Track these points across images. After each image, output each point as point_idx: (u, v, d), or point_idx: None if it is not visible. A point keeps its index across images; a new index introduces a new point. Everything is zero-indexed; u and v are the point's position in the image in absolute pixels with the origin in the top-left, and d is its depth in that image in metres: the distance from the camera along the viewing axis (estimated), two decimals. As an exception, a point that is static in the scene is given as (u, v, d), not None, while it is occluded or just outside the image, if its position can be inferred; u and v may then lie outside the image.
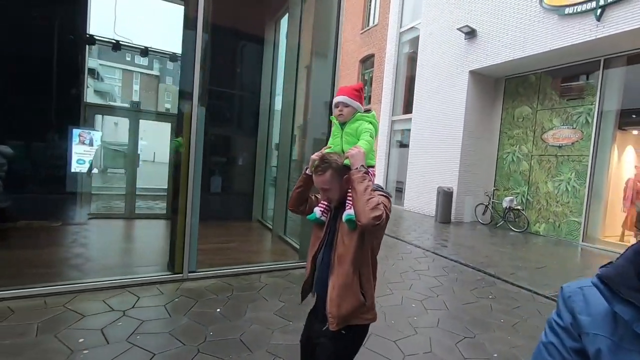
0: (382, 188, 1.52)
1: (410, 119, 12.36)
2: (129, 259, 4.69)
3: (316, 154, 1.57)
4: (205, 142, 3.96)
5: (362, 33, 16.26)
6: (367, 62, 16.20)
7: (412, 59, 13.04)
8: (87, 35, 6.00)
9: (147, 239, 5.87)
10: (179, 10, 7.07)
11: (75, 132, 7.19)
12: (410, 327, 3.21)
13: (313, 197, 1.71)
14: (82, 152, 7.33)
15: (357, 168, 1.41)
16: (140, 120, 6.55)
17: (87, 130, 7.42)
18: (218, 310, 3.22)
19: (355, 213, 1.38)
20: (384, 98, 13.85)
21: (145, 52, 6.64)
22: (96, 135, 7.58)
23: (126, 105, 9.04)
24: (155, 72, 37.93)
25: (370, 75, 15.87)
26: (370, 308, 1.51)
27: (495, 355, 2.86)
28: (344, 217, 1.48)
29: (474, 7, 9.84)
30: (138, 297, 3.31)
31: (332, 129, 1.70)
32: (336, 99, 1.63)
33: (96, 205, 7.09)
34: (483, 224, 10.02)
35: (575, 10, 7.41)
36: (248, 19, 7.27)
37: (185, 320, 2.98)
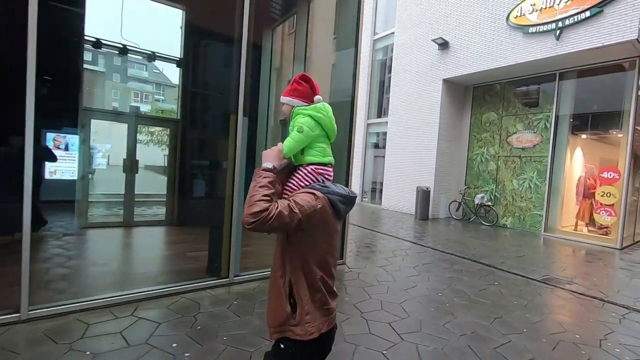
0: (324, 188, 1.40)
1: (385, 122, 13.07)
2: (168, 266, 4.64)
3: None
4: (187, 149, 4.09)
5: (334, 38, 16.70)
6: (339, 66, 16.67)
7: (385, 65, 13.78)
8: (95, 39, 5.76)
9: (169, 247, 5.79)
10: (177, 14, 7.01)
11: (50, 136, 6.81)
12: (449, 314, 3.67)
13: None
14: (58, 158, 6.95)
15: (262, 166, 1.36)
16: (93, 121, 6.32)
17: (62, 135, 7.04)
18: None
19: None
20: (358, 102, 14.41)
21: (152, 57, 6.49)
22: (73, 140, 7.22)
23: (125, 110, 8.61)
24: (100, 69, 35.48)
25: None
26: (302, 322, 1.33)
27: (525, 330, 3.41)
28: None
29: (447, 20, 10.72)
30: (199, 303, 3.42)
31: None
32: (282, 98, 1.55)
33: (85, 214, 6.74)
34: (456, 219, 10.96)
35: (537, 30, 8.46)
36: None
37: (257, 320, 3.17)
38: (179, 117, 6.93)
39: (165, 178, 6.86)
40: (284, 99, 1.51)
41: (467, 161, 11.32)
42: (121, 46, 6.02)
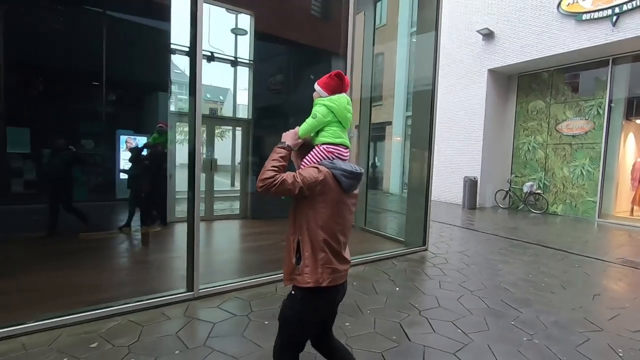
0: (331, 164, 1.61)
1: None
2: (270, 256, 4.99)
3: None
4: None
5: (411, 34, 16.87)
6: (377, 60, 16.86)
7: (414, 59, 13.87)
8: (185, 49, 6.27)
9: (256, 238, 6.26)
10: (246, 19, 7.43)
11: (122, 138, 7.38)
12: (550, 292, 3.97)
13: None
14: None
15: (281, 143, 1.64)
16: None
17: (133, 137, 7.61)
18: (397, 288, 3.84)
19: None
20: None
21: (235, 62, 6.97)
22: (142, 141, 7.78)
23: (205, 112, 9.18)
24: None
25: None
26: (303, 273, 1.56)
27: (627, 305, 3.68)
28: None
29: (492, 11, 10.77)
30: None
31: None
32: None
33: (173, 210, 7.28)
34: (503, 208, 11.10)
35: (591, 17, 8.47)
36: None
37: (384, 297, 3.57)
38: (250, 117, 7.38)
39: (236, 175, 7.32)
40: (316, 86, 1.72)
41: (513, 150, 11.40)
42: (209, 54, 6.49)
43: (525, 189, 10.55)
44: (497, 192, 11.34)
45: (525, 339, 2.84)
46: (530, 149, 10.94)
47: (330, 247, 1.58)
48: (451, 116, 12.05)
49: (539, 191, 10.41)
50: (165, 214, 6.40)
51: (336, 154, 1.66)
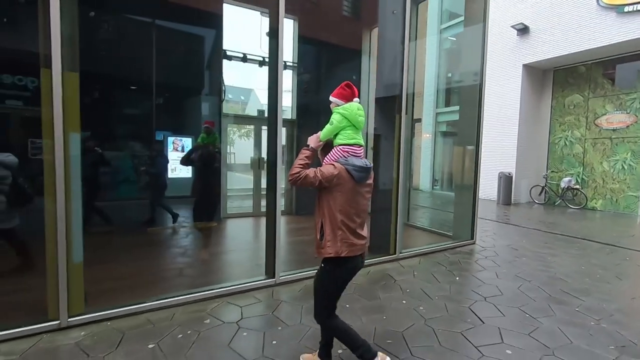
0: (349, 163, 1.96)
1: (454, 111, 13.22)
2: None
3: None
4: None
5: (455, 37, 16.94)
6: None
7: (451, 54, 13.87)
8: (242, 54, 6.68)
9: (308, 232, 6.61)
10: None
11: (170, 139, 7.84)
12: (607, 283, 4.10)
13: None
14: (177, 159, 7.98)
15: (307, 145, 2.08)
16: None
17: (179, 138, 8.06)
18: (457, 278, 4.08)
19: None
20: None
21: (284, 66, 7.38)
22: (187, 142, 8.23)
23: (254, 114, 9.67)
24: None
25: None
26: (325, 246, 1.97)
27: (687, 295, 3.78)
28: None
29: (527, 6, 10.70)
30: (388, 274, 4.13)
31: None
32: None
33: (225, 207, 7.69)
34: (538, 203, 11.04)
35: (635, 8, 8.34)
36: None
37: (447, 285, 3.81)
38: (294, 118, 7.72)
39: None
40: (331, 98, 2.14)
41: (549, 145, 11.30)
42: (261, 59, 6.87)
43: (562, 184, 10.46)
44: (532, 187, 11.28)
45: (592, 323, 3.03)
46: (567, 143, 10.83)
47: (346, 226, 1.99)
48: (485, 112, 12.01)
49: (577, 186, 10.30)
50: (219, 210, 6.82)
51: (351, 153, 2.03)
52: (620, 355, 2.52)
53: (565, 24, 9.73)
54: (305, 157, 2.02)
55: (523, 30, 10.71)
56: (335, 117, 2.06)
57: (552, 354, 2.52)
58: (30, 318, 2.57)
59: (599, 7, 9.01)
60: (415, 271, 4.27)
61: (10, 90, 5.38)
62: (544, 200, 11.03)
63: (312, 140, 2.10)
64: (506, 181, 10.83)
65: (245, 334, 2.68)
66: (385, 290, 3.66)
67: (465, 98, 5.97)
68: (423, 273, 4.23)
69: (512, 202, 11.01)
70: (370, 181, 2.12)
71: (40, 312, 2.61)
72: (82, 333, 2.59)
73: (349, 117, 2.03)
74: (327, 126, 2.07)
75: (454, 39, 12.94)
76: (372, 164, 2.08)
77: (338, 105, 2.09)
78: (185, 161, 5.23)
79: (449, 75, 14.16)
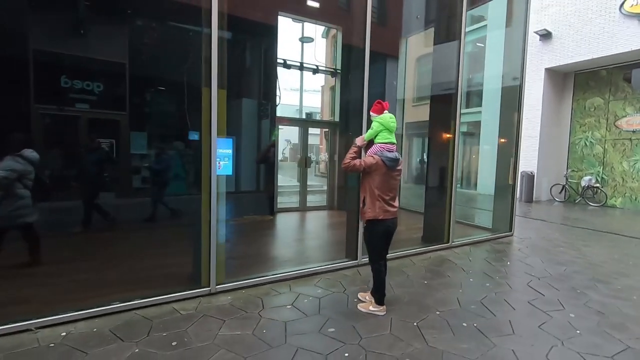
0: (384, 156, 2.88)
1: (476, 111, 13.76)
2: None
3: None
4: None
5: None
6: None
7: (474, 58, 14.39)
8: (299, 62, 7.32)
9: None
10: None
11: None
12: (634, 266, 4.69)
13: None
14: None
15: (353, 145, 3.05)
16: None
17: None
18: (508, 262, 4.69)
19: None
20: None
21: (334, 73, 7.99)
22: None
23: (302, 117, 10.30)
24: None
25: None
26: (366, 212, 2.96)
27: None
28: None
29: (549, 12, 11.21)
30: (429, 257, 4.75)
31: None
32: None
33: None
34: (559, 201, 11.57)
35: (656, 17, 8.84)
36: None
37: (502, 267, 4.43)
38: (336, 120, 8.34)
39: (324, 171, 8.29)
40: (370, 112, 3.13)
41: (569, 145, 11.82)
42: (315, 67, 7.51)
43: (583, 183, 10.99)
44: (552, 186, 11.82)
45: (634, 297, 3.63)
46: (588, 144, 11.34)
47: (382, 198, 2.95)
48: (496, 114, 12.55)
49: (598, 185, 10.83)
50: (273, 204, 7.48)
51: (385, 148, 2.95)
52: (662, 319, 3.13)
53: (588, 31, 10.23)
54: (354, 152, 3.03)
55: (546, 35, 11.22)
56: (374, 125, 3.03)
57: (606, 318, 3.13)
58: (188, 285, 3.24)
59: (622, 15, 9.51)
60: (470, 257, 4.89)
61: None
62: (564, 198, 11.55)
63: (359, 140, 3.11)
64: (528, 180, 11.38)
65: (348, 293, 3.32)
66: (451, 271, 4.29)
67: (505, 100, 6.54)
68: (477, 258, 4.85)
69: (534, 199, 11.55)
70: (400, 167, 3.04)
71: (195, 281, 3.28)
72: (229, 297, 3.25)
73: (384, 124, 2.99)
74: (369, 130, 3.06)
75: (481, 44, 13.45)
76: (401, 157, 3.15)
77: (374, 116, 3.06)
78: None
79: (470, 77, 14.69)
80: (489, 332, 2.80)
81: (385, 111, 3.05)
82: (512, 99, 6.36)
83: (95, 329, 2.60)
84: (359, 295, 3.33)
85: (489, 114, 11.64)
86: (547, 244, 5.84)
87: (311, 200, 8.69)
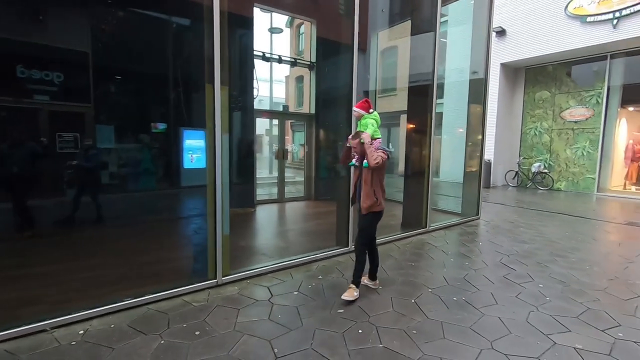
0: (384, 148, 3.10)
1: (438, 103, 14.51)
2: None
3: (352, 135, 3.25)
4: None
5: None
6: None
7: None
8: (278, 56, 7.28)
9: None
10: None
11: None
12: (593, 240, 5.39)
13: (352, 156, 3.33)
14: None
15: (368, 141, 3.07)
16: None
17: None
18: (480, 243, 5.19)
19: (367, 161, 3.05)
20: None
21: (312, 66, 8.01)
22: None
23: (279, 109, 10.12)
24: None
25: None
26: (379, 204, 3.15)
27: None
28: (364, 164, 3.14)
29: (503, 11, 12.03)
30: (440, 236, 5.16)
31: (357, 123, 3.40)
32: (353, 109, 3.45)
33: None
34: (512, 186, 12.65)
35: (595, 19, 9.86)
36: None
37: (476, 247, 4.90)
38: (312, 112, 8.50)
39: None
40: (357, 109, 3.29)
41: (521, 135, 12.90)
42: (293, 60, 7.53)
43: (533, 169, 12.09)
44: (507, 172, 12.86)
45: (587, 267, 4.23)
46: (537, 133, 12.46)
47: (384, 190, 3.25)
48: (461, 106, 13.38)
49: (546, 170, 11.97)
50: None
51: (380, 143, 3.20)
52: (609, 286, 3.70)
53: (537, 29, 11.15)
54: (375, 148, 3.07)
55: (501, 33, 12.05)
56: (371, 122, 3.23)
57: (567, 286, 3.65)
58: (196, 278, 3.31)
59: (566, 16, 10.47)
60: (446, 240, 5.34)
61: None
62: (517, 183, 12.65)
63: (367, 138, 3.11)
64: (486, 167, 12.27)
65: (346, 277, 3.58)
66: (433, 253, 4.69)
67: (471, 93, 7.04)
68: (452, 241, 5.31)
69: (491, 185, 12.52)
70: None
71: (201, 275, 3.36)
72: (236, 288, 3.37)
73: (377, 120, 3.28)
74: (371, 127, 3.20)
75: (443, 40, 14.07)
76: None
77: (362, 114, 3.26)
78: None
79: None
80: (476, 303, 3.19)
81: (371, 109, 3.27)
82: (477, 92, 6.87)
83: (112, 325, 2.63)
84: (365, 281, 3.47)
85: (450, 105, 12.37)
86: (510, 225, 6.48)
87: (289, 191, 8.83)
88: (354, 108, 3.37)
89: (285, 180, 8.73)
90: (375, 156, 2.98)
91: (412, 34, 6.10)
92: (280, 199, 8.39)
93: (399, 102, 16.18)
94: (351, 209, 4.45)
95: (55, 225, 5.02)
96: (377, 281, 3.50)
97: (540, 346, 2.52)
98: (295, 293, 3.31)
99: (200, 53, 3.14)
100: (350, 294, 3.15)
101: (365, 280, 3.47)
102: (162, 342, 2.44)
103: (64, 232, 4.65)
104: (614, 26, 9.51)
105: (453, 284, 3.63)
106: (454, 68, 10.88)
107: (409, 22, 8.39)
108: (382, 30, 9.90)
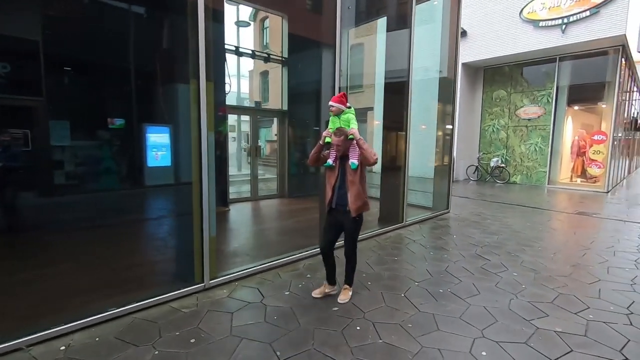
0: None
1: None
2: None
3: (327, 131, 3.01)
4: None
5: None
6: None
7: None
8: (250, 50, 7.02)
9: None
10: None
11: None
12: (549, 229, 5.83)
13: (322, 156, 3.05)
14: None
15: (360, 137, 2.86)
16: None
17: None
18: (454, 236, 5.43)
19: (364, 158, 2.85)
20: (377, 84, 16.15)
21: (285, 62, 7.82)
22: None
23: (252, 105, 9.72)
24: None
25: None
26: (367, 205, 3.01)
27: (592, 241, 5.64)
28: (350, 164, 2.91)
29: (464, 13, 12.57)
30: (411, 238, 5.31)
31: (331, 119, 3.10)
32: (330, 103, 3.04)
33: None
34: (473, 180, 13.37)
35: (546, 24, 10.61)
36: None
37: (450, 240, 5.12)
38: (285, 108, 8.40)
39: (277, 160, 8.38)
40: (334, 104, 3.00)
41: (481, 131, 13.63)
42: (266, 55, 7.34)
43: (492, 164, 12.85)
44: (468, 167, 13.55)
45: (551, 255, 4.57)
46: (495, 130, 13.23)
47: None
48: (429, 104, 13.89)
49: (503, 165, 12.76)
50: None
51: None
52: (573, 272, 4.04)
53: (495, 32, 11.80)
54: (367, 144, 2.89)
55: (462, 33, 12.59)
56: (352, 117, 3.02)
57: (538, 273, 3.93)
58: (182, 283, 3.16)
59: (521, 20, 11.17)
60: (422, 234, 5.53)
61: None
62: (477, 177, 13.37)
63: (357, 134, 2.91)
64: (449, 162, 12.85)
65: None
66: (412, 247, 4.84)
67: (441, 92, 7.31)
68: (428, 234, 5.51)
69: (454, 179, 13.12)
70: None
71: (187, 278, 3.21)
72: (224, 291, 3.26)
73: (355, 116, 3.06)
74: (354, 122, 2.99)
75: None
76: None
77: (341, 108, 3.01)
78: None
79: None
80: (461, 294, 3.34)
81: (348, 104, 3.06)
82: (446, 91, 7.15)
83: (97, 338, 2.44)
84: (339, 300, 3.12)
85: (416, 103, 12.77)
86: (477, 217, 6.85)
87: (261, 188, 8.68)
88: (330, 103, 3.03)
89: (260, 177, 8.58)
90: (374, 152, 2.85)
91: (388, 30, 6.21)
92: (254, 197, 8.24)
93: (366, 99, 16.48)
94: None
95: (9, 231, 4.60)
96: (336, 286, 3.30)
97: (525, 332, 2.69)
98: (287, 293, 3.27)
99: (176, 45, 2.98)
100: (345, 295, 3.15)
101: (326, 288, 3.24)
102: (157, 352, 2.31)
103: (20, 238, 4.24)
104: (563, 31, 10.30)
105: (436, 277, 3.77)
106: (420, 66, 11.17)
107: (376, 20, 8.51)
108: (353, 27, 9.95)
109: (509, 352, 2.42)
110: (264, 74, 18.33)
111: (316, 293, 3.20)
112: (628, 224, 6.45)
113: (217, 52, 7.00)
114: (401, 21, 5.85)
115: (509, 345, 2.50)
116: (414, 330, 2.68)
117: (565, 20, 10.21)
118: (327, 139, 2.97)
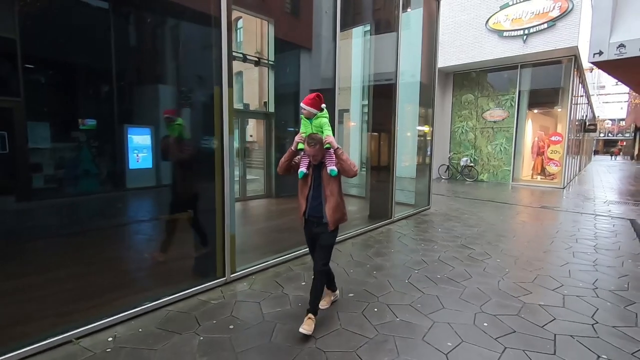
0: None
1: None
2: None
3: (299, 136, 2.65)
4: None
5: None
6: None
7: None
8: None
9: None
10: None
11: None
12: (520, 223, 6.47)
13: (293, 163, 2.72)
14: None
15: (337, 147, 2.54)
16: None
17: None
18: (439, 230, 5.92)
19: (344, 170, 2.56)
20: (353, 86, 16.64)
21: (274, 66, 7.98)
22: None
23: (240, 107, 9.65)
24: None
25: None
26: (345, 216, 2.72)
27: (558, 231, 6.36)
28: (329, 171, 2.57)
29: (435, 21, 13.34)
30: (398, 230, 5.72)
31: (302, 122, 2.69)
32: (301, 105, 2.62)
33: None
34: (444, 178, 14.19)
35: (509, 35, 11.54)
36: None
37: (435, 232, 5.60)
38: (271, 110, 8.60)
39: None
40: (306, 107, 2.58)
41: (451, 133, 14.49)
42: (257, 59, 7.49)
43: (462, 163, 13.71)
44: (440, 166, 14.36)
45: (526, 243, 5.15)
46: (464, 131, 14.12)
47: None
48: (412, 107, 14.57)
49: (472, 164, 13.66)
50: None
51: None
52: (546, 256, 4.61)
53: (463, 40, 12.64)
54: (345, 154, 2.58)
55: (433, 40, 13.36)
56: (326, 122, 2.64)
57: (518, 259, 4.47)
58: (206, 278, 3.35)
59: (487, 30, 12.06)
60: (411, 228, 5.98)
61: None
62: (448, 176, 14.21)
63: (334, 142, 2.57)
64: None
65: (342, 266, 3.93)
66: (405, 240, 5.25)
67: (421, 96, 7.83)
68: (416, 229, 5.97)
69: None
70: None
71: (209, 273, 3.40)
72: (245, 284, 3.48)
73: (329, 119, 2.72)
74: (327, 128, 2.61)
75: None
76: None
77: (313, 112, 2.61)
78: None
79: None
80: (457, 278, 3.77)
81: (323, 105, 2.66)
82: (426, 95, 7.68)
83: (140, 329, 2.60)
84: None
85: (401, 105, 13.38)
86: (456, 212, 7.43)
87: (249, 189, 8.83)
88: (301, 105, 2.62)
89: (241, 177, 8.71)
90: (354, 163, 2.55)
91: (373, 33, 6.62)
92: (243, 197, 8.37)
93: (342, 100, 16.84)
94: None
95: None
96: (337, 291, 3.17)
97: (515, 306, 3.14)
98: (303, 284, 3.54)
99: (164, 46, 3.17)
100: (310, 325, 2.57)
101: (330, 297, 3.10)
102: (202, 338, 2.51)
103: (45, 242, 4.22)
104: (524, 41, 11.25)
105: (432, 265, 4.19)
106: (406, 70, 11.74)
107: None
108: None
109: (506, 322, 2.85)
110: (238, 74, 18.28)
111: (322, 304, 2.94)
112: (584, 215, 7.29)
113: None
114: (388, 27, 6.27)
115: (504, 317, 2.93)
116: (424, 309, 3.06)
117: (527, 32, 11.16)
118: (300, 145, 2.66)
